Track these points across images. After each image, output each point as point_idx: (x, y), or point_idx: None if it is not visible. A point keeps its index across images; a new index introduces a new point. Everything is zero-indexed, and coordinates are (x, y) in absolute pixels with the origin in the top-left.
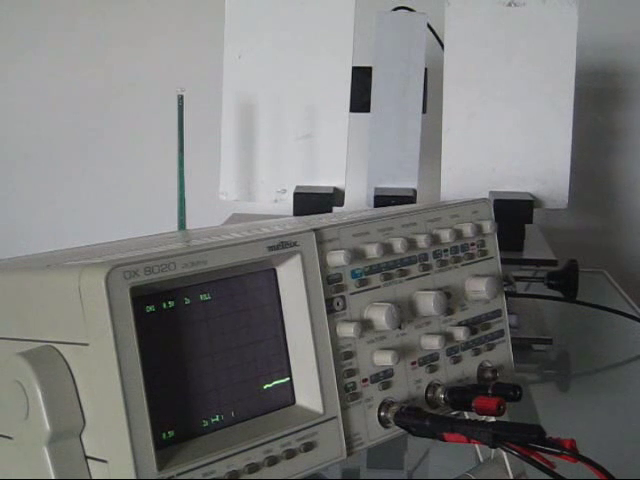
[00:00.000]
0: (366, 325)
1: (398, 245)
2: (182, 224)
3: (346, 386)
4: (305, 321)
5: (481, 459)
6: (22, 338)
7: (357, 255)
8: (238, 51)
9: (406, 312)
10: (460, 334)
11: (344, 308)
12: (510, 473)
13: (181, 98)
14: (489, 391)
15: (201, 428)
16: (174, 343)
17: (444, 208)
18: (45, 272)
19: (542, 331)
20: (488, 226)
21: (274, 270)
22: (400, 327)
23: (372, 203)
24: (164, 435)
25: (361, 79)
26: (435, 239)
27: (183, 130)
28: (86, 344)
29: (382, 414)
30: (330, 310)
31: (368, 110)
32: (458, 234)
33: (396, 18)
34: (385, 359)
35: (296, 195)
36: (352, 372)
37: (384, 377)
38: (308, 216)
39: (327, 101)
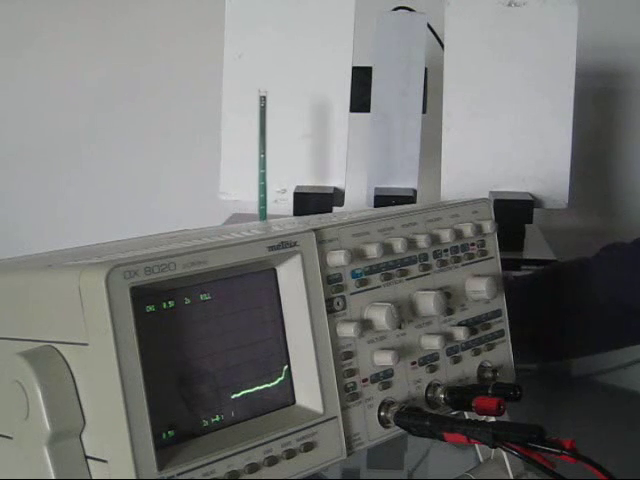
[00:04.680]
0: (366, 325)
1: (398, 245)
2: (263, 214)
3: (346, 386)
4: (305, 321)
5: (481, 459)
6: (22, 338)
7: (357, 255)
8: (238, 51)
9: (406, 312)
10: (460, 334)
11: (344, 308)
12: (510, 473)
13: (263, 99)
14: (489, 391)
15: (201, 428)
16: (174, 343)
17: (444, 208)
18: (45, 272)
19: None
20: (488, 226)
21: (274, 270)
22: (400, 327)
23: (372, 203)
24: (164, 435)
25: (361, 79)
26: (435, 239)
27: (265, 131)
28: (86, 344)
29: (382, 414)
30: (330, 310)
31: (368, 110)
32: (458, 234)
33: (396, 18)
34: (385, 359)
35: (296, 195)
36: (352, 372)
37: (384, 377)
38: (308, 216)
39: (327, 101)
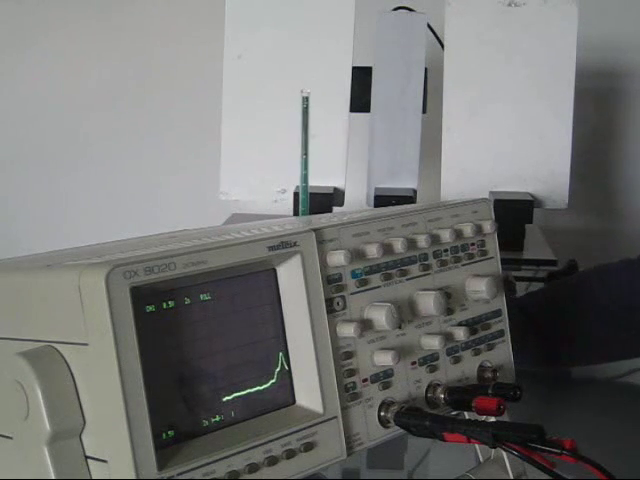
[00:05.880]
0: (366, 325)
1: (398, 245)
2: (304, 215)
3: (346, 386)
4: (305, 321)
5: (481, 459)
6: (22, 338)
7: (357, 255)
8: (238, 51)
9: (406, 312)
10: (460, 334)
11: (344, 308)
12: (510, 473)
13: (306, 99)
14: (489, 391)
15: (201, 428)
16: (174, 343)
17: (444, 208)
18: (45, 272)
19: None
20: (488, 226)
21: (274, 270)
22: (400, 327)
23: (372, 203)
24: (164, 435)
25: (361, 79)
26: (435, 239)
27: (308, 131)
28: (86, 344)
29: (382, 414)
30: (330, 310)
31: (368, 110)
32: (458, 234)
33: (396, 18)
34: (385, 359)
35: (296, 195)
36: (352, 372)
37: (384, 377)
38: (308, 216)
39: (327, 101)
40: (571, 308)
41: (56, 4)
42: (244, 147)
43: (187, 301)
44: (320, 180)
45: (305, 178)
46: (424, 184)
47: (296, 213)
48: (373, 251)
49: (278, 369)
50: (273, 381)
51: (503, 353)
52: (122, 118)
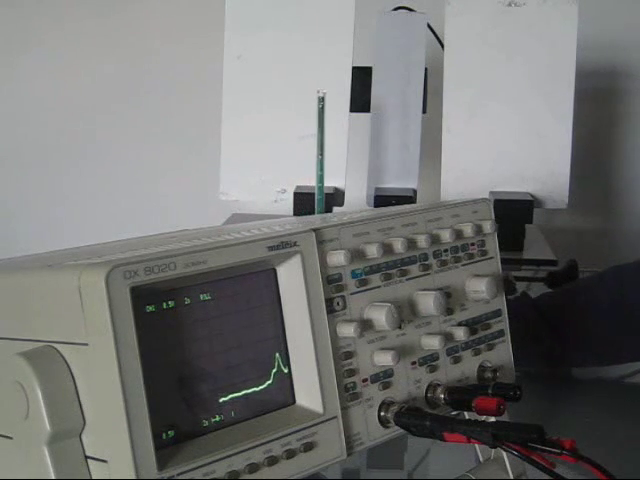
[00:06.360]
0: (366, 325)
1: (398, 245)
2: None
3: (346, 386)
4: (305, 321)
5: (481, 459)
6: (22, 338)
7: (357, 255)
8: (238, 51)
9: (406, 312)
10: (460, 334)
11: (344, 308)
12: (510, 473)
13: (322, 99)
14: (489, 391)
15: (201, 428)
16: (174, 343)
17: (444, 208)
18: (45, 272)
19: None
20: (488, 226)
21: (274, 270)
22: (400, 327)
23: (372, 203)
24: (164, 435)
25: (361, 79)
26: (435, 239)
27: (324, 132)
28: (86, 344)
29: (382, 414)
30: (330, 310)
31: (368, 110)
32: (458, 234)
33: (396, 18)
34: (385, 359)
35: (296, 195)
36: (352, 372)
37: (384, 377)
38: (308, 216)
39: (327, 101)
40: (585, 308)
41: (56, 4)
42: (244, 147)
43: (187, 301)
44: None
45: (321, 178)
46: (424, 184)
47: (296, 213)
48: (373, 251)
49: (275, 370)
50: (269, 382)
51: (503, 353)
52: (122, 118)
